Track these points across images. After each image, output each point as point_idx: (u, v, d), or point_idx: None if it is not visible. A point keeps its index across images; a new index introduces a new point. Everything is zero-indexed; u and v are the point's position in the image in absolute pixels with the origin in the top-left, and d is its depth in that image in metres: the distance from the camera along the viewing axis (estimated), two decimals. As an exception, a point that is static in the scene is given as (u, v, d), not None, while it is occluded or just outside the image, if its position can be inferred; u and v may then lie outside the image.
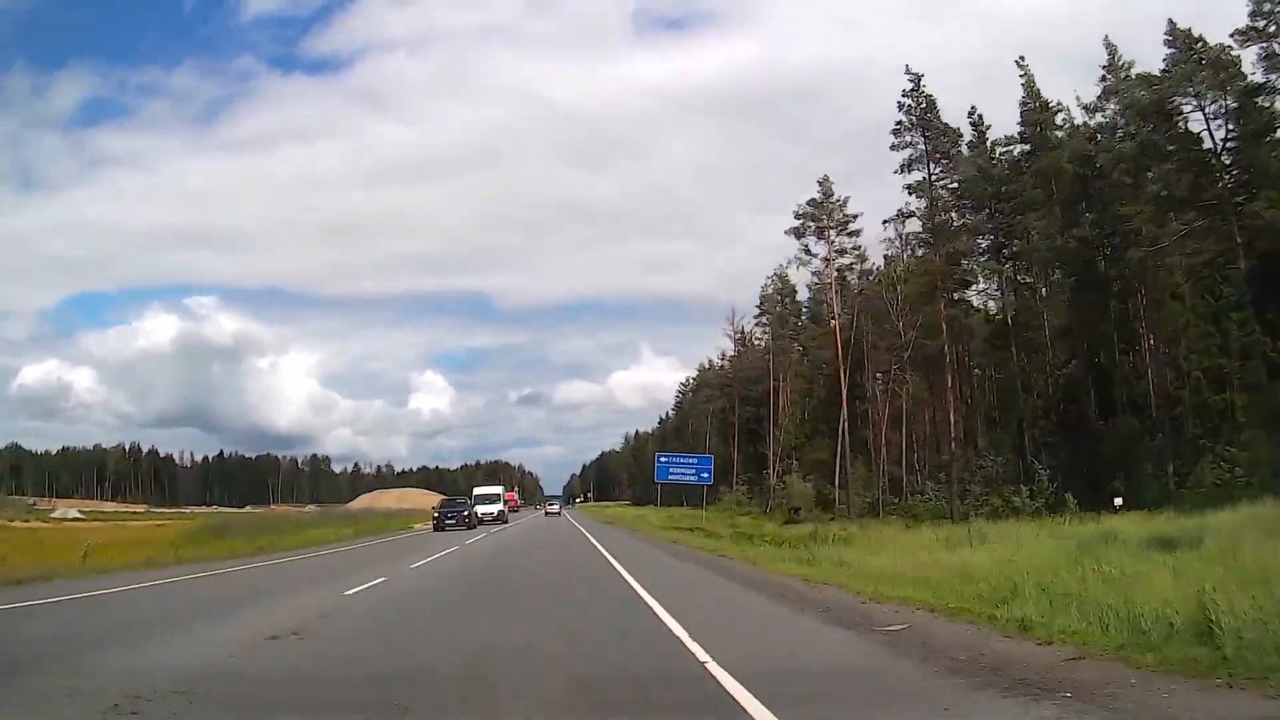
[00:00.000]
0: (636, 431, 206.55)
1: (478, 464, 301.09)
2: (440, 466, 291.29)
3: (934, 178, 50.31)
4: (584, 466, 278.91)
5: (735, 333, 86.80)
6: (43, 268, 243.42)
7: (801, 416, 73.56)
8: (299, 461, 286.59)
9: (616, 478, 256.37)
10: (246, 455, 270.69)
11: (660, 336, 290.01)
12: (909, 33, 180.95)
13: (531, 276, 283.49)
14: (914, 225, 51.34)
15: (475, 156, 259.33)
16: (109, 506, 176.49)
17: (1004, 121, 55.56)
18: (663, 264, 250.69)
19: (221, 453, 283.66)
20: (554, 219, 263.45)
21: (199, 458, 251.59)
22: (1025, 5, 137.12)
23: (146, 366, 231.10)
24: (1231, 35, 36.16)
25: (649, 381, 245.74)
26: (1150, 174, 39.48)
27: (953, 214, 51.14)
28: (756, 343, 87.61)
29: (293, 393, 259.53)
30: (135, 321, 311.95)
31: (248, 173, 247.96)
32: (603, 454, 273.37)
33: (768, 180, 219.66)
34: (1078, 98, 49.60)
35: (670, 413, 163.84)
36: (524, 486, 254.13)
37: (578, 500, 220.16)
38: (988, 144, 52.06)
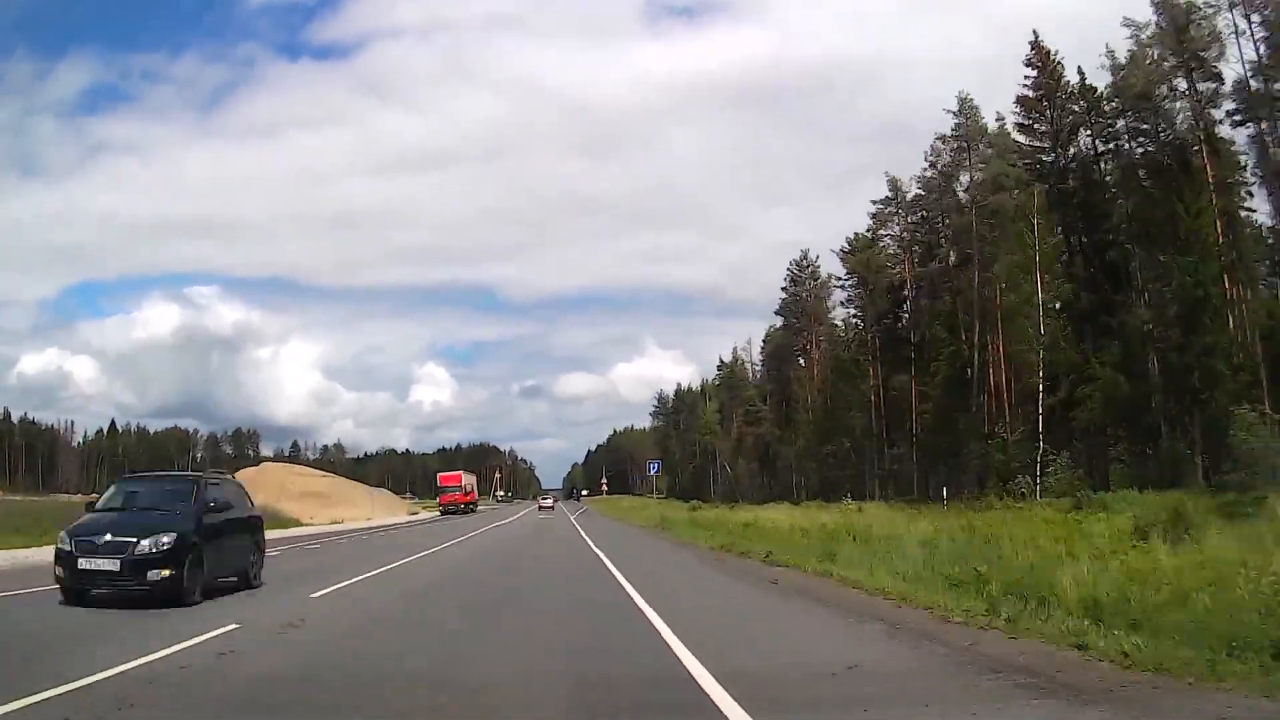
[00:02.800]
0: (677, 388, 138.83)
1: (459, 448, 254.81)
2: (413, 450, 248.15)
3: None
4: (589, 452, 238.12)
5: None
6: (43, 256, 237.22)
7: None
8: (219, 438, 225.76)
9: (636, 464, 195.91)
10: (149, 429, 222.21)
11: (664, 329, 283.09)
12: (919, 27, 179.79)
13: (535, 268, 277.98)
14: None
15: (481, 147, 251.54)
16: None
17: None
18: (668, 256, 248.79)
19: (114, 424, 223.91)
20: (559, 211, 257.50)
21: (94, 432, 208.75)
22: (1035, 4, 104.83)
23: (146, 357, 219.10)
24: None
25: (652, 375, 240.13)
26: None
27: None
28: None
29: (295, 384, 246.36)
30: (135, 311, 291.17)
31: (251, 161, 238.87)
32: (615, 433, 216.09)
33: (775, 173, 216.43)
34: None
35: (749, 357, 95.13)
36: (516, 477, 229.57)
37: (585, 494, 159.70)
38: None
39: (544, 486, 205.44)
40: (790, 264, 79.54)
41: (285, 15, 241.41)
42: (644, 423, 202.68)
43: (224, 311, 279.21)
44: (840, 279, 69.27)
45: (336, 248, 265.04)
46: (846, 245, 68.06)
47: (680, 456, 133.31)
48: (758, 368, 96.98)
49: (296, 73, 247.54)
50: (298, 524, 55.71)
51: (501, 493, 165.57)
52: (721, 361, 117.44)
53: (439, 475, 78.22)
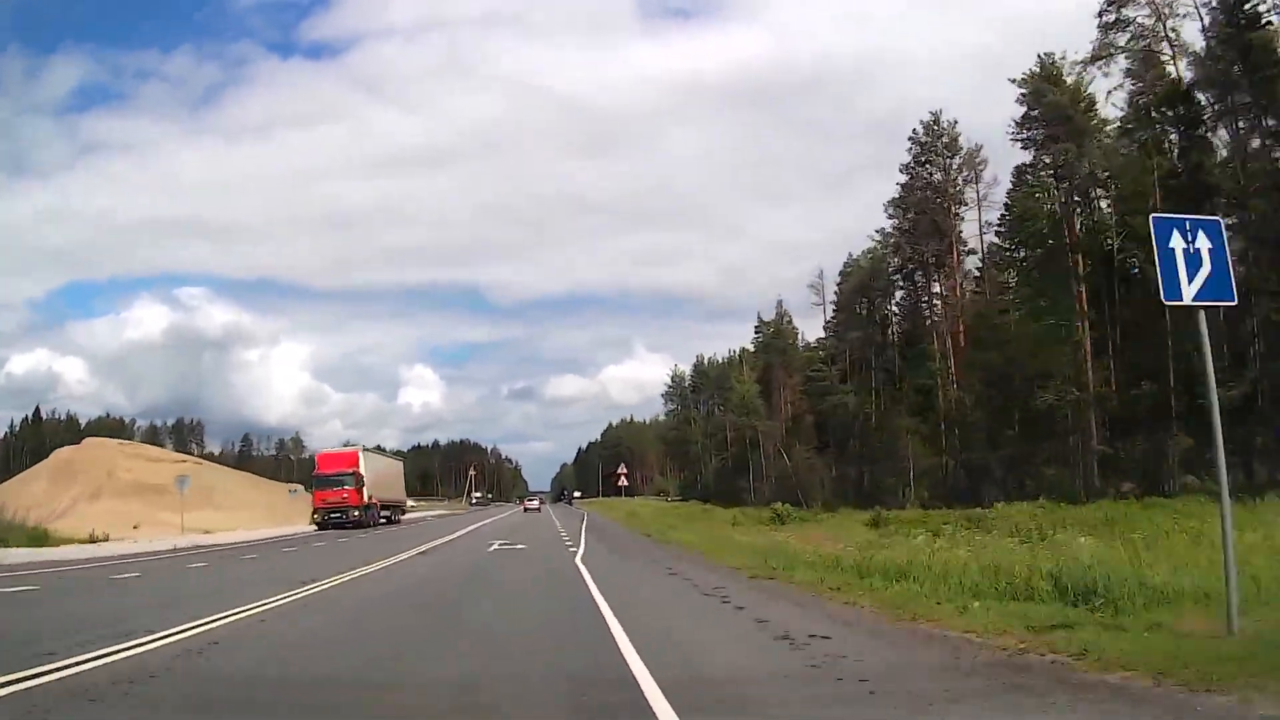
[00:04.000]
0: (697, 360, 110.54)
1: (436, 444, 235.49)
2: (385, 448, 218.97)
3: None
4: (579, 450, 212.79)
5: None
6: (32, 257, 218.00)
7: None
8: (160, 429, 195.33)
9: (637, 457, 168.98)
10: (79, 419, 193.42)
11: (655, 331, 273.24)
12: (918, 26, 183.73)
13: (527, 269, 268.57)
14: None
15: (475, 146, 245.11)
16: None
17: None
18: (661, 258, 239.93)
19: (38, 412, 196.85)
20: (553, 211, 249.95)
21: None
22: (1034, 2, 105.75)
23: (136, 358, 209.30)
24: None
25: (643, 378, 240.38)
26: None
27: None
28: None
29: (284, 385, 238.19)
30: (125, 312, 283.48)
31: (243, 161, 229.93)
32: (611, 427, 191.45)
33: (772, 174, 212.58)
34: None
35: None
36: (500, 477, 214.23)
37: (577, 495, 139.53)
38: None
39: (531, 488, 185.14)
40: (913, 133, 51.52)
41: (278, 13, 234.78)
42: (644, 415, 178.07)
43: (214, 312, 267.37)
44: (1025, 126, 41.23)
45: (328, 248, 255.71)
46: (1036, 68, 40.26)
47: (701, 447, 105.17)
48: (831, 304, 68.91)
49: (289, 71, 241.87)
50: (43, 541, 28.40)
51: (478, 494, 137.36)
52: (761, 320, 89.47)
53: (317, 456, 47.04)
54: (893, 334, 58.82)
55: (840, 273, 65.15)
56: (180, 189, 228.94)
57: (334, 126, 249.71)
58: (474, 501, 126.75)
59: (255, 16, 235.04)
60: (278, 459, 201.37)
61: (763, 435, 79.18)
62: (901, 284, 57.15)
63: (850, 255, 65.41)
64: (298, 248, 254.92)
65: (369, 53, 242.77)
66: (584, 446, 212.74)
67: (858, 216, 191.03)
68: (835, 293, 66.49)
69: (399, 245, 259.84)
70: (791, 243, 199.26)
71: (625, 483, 48.39)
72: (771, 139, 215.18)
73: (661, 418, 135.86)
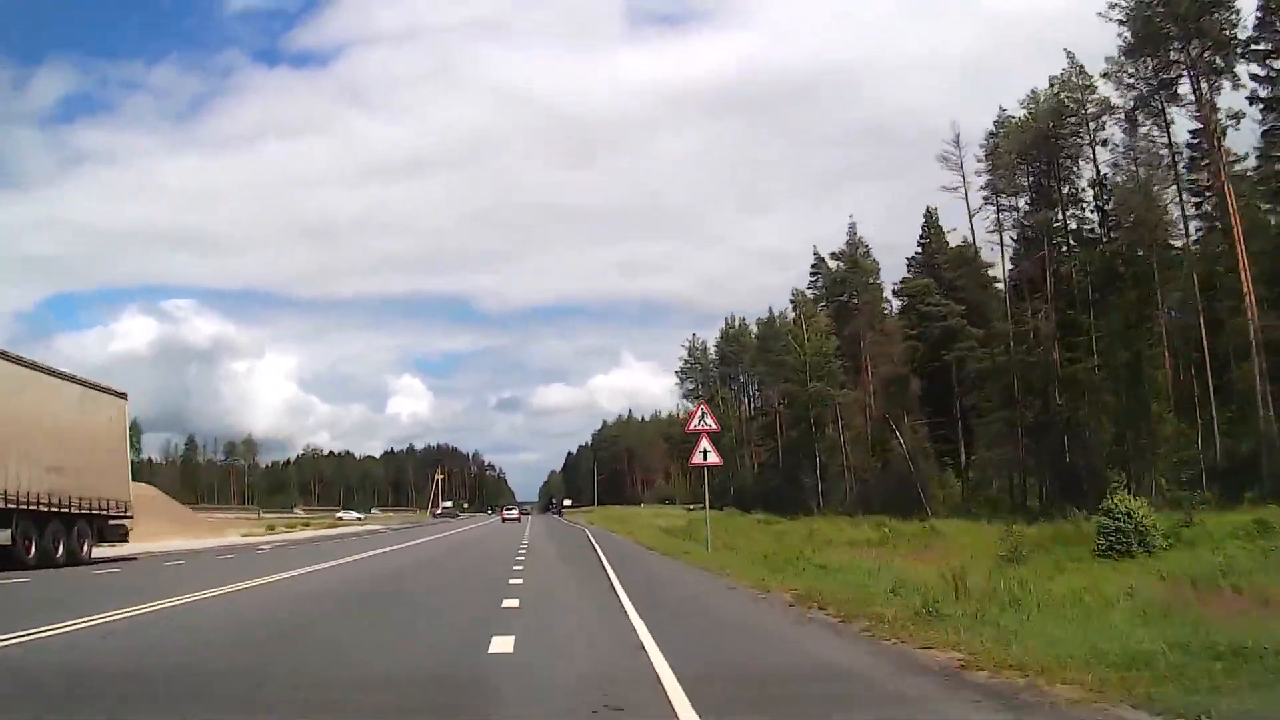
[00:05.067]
0: (727, 324, 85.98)
1: (410, 449, 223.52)
2: (355, 453, 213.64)
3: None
4: (569, 454, 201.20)
5: None
6: (18, 267, 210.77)
7: None
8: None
9: (641, 464, 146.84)
10: None
11: (641, 340, 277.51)
12: (907, 31, 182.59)
13: (513, 278, 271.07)
14: None
15: (461, 154, 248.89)
16: None
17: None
18: (647, 266, 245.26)
19: None
20: (539, 219, 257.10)
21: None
22: (1026, 3, 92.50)
23: (122, 370, 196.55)
24: None
25: (630, 387, 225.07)
26: None
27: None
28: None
29: (270, 397, 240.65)
30: (112, 324, 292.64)
31: (229, 171, 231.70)
32: (605, 425, 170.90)
33: (758, 182, 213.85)
34: None
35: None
36: (483, 486, 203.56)
37: (568, 504, 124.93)
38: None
39: (519, 498, 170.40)
40: None
41: (265, 21, 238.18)
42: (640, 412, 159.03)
43: (200, 324, 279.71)
44: None
45: (313, 258, 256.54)
46: None
47: (735, 438, 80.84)
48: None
49: (275, 81, 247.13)
50: None
51: (447, 503, 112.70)
52: (818, 258, 65.34)
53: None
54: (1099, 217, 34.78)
55: (989, 135, 40.86)
56: (166, 199, 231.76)
57: (320, 136, 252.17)
58: (439, 512, 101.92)
59: (241, 25, 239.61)
60: (224, 464, 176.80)
61: (843, 410, 54.91)
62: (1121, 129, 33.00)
63: (1001, 110, 41.32)
64: (283, 258, 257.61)
65: (355, 61, 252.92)
66: (573, 451, 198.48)
67: (844, 226, 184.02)
68: (986, 159, 42.16)
69: (385, 255, 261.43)
70: (779, 251, 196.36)
71: (716, 458, 23.10)
72: (760, 146, 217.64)
73: (665, 415, 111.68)
